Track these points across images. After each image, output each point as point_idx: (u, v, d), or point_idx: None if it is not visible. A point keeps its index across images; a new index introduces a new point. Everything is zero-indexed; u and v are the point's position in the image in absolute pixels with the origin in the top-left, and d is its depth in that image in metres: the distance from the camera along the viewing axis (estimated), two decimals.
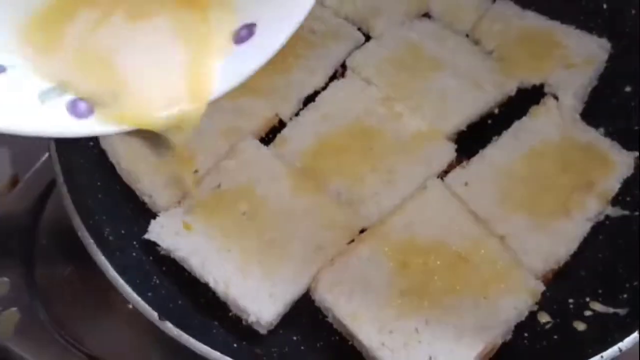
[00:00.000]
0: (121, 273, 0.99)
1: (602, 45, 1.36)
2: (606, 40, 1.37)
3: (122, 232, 1.13)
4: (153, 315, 0.95)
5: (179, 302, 1.08)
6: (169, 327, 0.94)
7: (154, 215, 1.15)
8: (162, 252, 1.13)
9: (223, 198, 1.16)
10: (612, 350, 0.91)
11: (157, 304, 1.01)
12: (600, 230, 1.19)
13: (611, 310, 1.05)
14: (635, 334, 0.92)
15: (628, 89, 1.33)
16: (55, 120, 0.73)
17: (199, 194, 1.16)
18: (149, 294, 1.03)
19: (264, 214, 1.14)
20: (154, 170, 1.20)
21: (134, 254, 1.11)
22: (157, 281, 1.09)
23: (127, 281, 0.98)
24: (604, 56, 1.35)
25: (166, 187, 1.19)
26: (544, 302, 1.10)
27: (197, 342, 0.93)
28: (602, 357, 0.91)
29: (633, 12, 1.35)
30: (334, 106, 1.30)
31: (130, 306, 0.96)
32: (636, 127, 1.29)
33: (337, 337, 1.09)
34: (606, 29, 1.39)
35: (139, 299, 0.96)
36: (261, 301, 1.06)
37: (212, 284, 1.07)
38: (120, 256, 1.07)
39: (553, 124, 1.27)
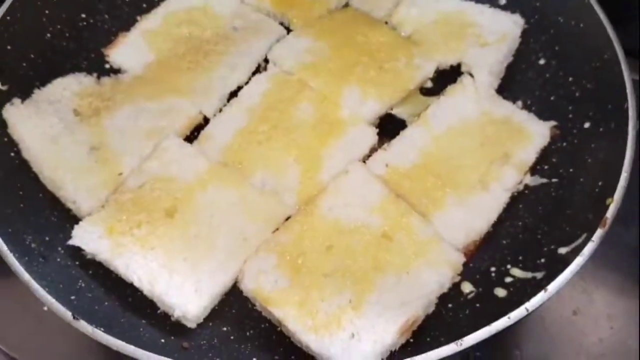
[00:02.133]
0: (39, 278, 0.99)
1: (515, 21, 1.40)
2: (519, 16, 1.40)
3: (47, 239, 1.13)
4: (67, 315, 0.95)
5: (106, 303, 1.08)
6: (84, 326, 0.94)
7: (79, 221, 1.15)
8: (89, 257, 1.13)
9: (146, 198, 1.16)
10: (519, 311, 0.94)
11: (81, 307, 1.02)
12: (520, 200, 1.22)
13: (530, 275, 1.08)
14: (541, 294, 0.95)
15: (542, 61, 1.37)
16: None
17: (122, 195, 1.17)
18: (72, 297, 1.03)
19: (188, 211, 1.15)
20: (77, 177, 1.20)
21: (58, 259, 1.11)
22: (83, 285, 1.10)
23: (45, 285, 0.98)
24: (517, 32, 1.38)
25: (89, 192, 1.19)
26: (468, 273, 1.13)
27: (117, 340, 0.94)
28: (509, 317, 0.93)
29: None
30: (256, 99, 1.31)
31: (45, 308, 0.96)
32: (552, 98, 1.32)
33: (266, 324, 1.10)
34: (518, 5, 1.43)
35: (52, 300, 0.96)
36: (186, 296, 1.06)
37: (137, 284, 1.08)
38: (43, 262, 1.07)
39: (470, 101, 1.30)
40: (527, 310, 0.93)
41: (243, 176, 1.21)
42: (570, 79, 1.30)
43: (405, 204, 1.17)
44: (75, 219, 1.17)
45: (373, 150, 1.27)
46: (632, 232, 1.34)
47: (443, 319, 1.07)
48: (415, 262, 1.10)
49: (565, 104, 1.29)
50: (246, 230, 1.14)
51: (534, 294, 0.97)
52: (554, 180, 1.22)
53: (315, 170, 1.23)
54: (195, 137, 1.29)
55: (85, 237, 1.12)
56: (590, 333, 1.27)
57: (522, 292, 1.04)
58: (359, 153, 1.26)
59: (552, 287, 0.95)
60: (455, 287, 1.11)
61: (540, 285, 1.00)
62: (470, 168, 1.22)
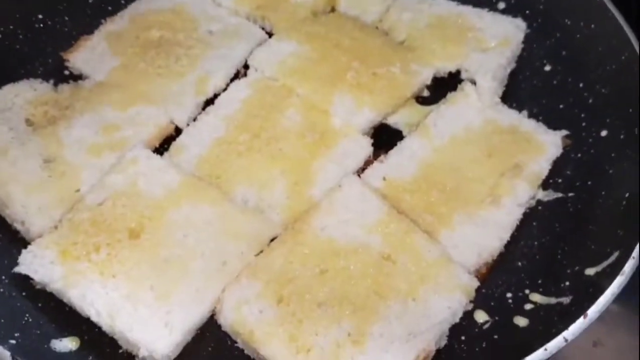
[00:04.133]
0: None
1: (517, 25, 1.29)
2: (521, 19, 1.29)
3: None
4: (5, 355, 0.77)
5: (58, 341, 0.90)
6: None
7: (27, 245, 0.98)
8: (38, 287, 0.95)
9: (107, 216, 1.00)
10: (557, 341, 0.79)
11: (25, 346, 0.84)
12: (534, 217, 1.09)
13: (553, 300, 0.94)
14: (580, 320, 0.81)
15: (548, 67, 1.27)
16: None
17: (79, 214, 1.00)
18: (17, 334, 0.85)
19: (157, 231, 0.99)
20: (27, 193, 1.03)
21: (1, 290, 0.94)
22: (30, 319, 0.92)
23: None
24: (520, 36, 1.27)
25: (41, 211, 1.02)
26: (481, 300, 0.99)
27: None
28: (545, 349, 0.78)
29: None
30: (235, 107, 1.17)
31: None
32: (561, 106, 1.21)
33: None
34: (520, 9, 1.32)
35: None
36: (154, 332, 0.89)
37: (94, 318, 0.90)
38: None
39: (473, 110, 1.18)
40: (566, 340, 0.79)
41: (222, 191, 1.06)
42: (581, 84, 1.20)
43: (408, 221, 1.02)
44: (22, 243, 1.00)
45: (368, 163, 1.13)
46: None
47: (456, 354, 0.92)
48: (422, 287, 0.95)
49: (576, 112, 1.18)
50: (225, 252, 0.98)
51: (569, 320, 0.83)
52: (570, 194, 1.10)
53: (304, 184, 1.08)
54: (166, 150, 1.13)
55: (34, 264, 0.95)
56: None
57: (547, 320, 0.90)
58: (353, 166, 1.12)
59: (592, 312, 0.81)
60: (468, 316, 0.97)
61: (570, 311, 0.86)
62: (478, 181, 1.08)
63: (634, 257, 0.86)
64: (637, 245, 0.87)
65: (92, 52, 1.24)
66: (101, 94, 1.18)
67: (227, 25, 1.31)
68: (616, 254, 0.90)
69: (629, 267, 0.85)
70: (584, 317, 0.81)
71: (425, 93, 1.26)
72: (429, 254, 0.99)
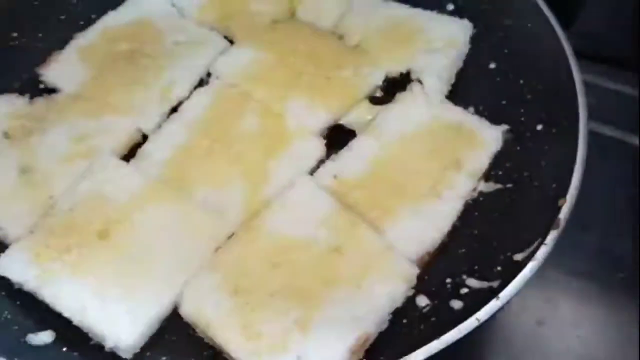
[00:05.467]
0: None
1: (463, 26, 1.36)
2: (467, 21, 1.37)
3: None
4: None
5: (34, 335, 1.00)
6: None
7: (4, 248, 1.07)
8: (17, 286, 1.04)
9: (77, 220, 1.08)
10: (469, 323, 0.87)
11: (5, 341, 0.93)
12: (475, 207, 1.17)
13: (485, 284, 1.02)
14: (493, 302, 0.89)
15: (492, 65, 1.34)
16: None
17: (52, 219, 1.09)
18: None
19: (123, 232, 1.08)
20: (4, 202, 1.12)
21: None
22: (9, 316, 1.01)
23: None
24: (466, 37, 1.35)
25: (17, 217, 1.11)
26: (423, 286, 1.07)
27: None
28: (459, 330, 0.86)
29: None
30: (197, 114, 1.25)
31: None
32: (503, 102, 1.29)
33: (210, 351, 1.02)
34: (466, 10, 1.40)
35: None
36: (119, 324, 0.98)
37: (67, 314, 0.99)
38: None
39: (420, 108, 1.26)
40: (478, 320, 0.87)
41: (183, 193, 1.14)
42: (521, 81, 1.27)
43: (355, 215, 1.11)
44: (2, 248, 1.09)
45: (322, 162, 1.21)
46: (593, 235, 1.30)
47: (397, 336, 1.01)
48: (366, 275, 1.04)
49: (517, 107, 1.26)
50: (185, 250, 1.07)
51: (487, 303, 0.91)
52: (508, 185, 1.18)
53: (260, 184, 1.16)
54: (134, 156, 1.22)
55: (13, 266, 1.04)
56: (556, 343, 1.21)
57: (478, 303, 0.98)
58: (306, 166, 1.20)
59: (504, 294, 0.90)
60: (410, 301, 1.05)
61: (495, 293, 0.95)
62: (421, 175, 1.17)
63: (546, 244, 0.94)
64: (551, 232, 0.95)
65: (64, 65, 1.33)
66: (73, 105, 1.26)
67: (192, 36, 1.39)
68: (538, 240, 0.97)
69: (541, 253, 0.93)
70: (497, 299, 0.89)
71: (380, 94, 1.34)
72: (372, 245, 1.07)
